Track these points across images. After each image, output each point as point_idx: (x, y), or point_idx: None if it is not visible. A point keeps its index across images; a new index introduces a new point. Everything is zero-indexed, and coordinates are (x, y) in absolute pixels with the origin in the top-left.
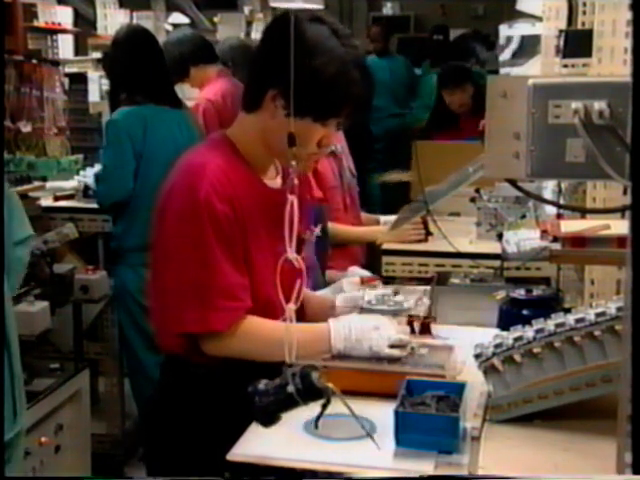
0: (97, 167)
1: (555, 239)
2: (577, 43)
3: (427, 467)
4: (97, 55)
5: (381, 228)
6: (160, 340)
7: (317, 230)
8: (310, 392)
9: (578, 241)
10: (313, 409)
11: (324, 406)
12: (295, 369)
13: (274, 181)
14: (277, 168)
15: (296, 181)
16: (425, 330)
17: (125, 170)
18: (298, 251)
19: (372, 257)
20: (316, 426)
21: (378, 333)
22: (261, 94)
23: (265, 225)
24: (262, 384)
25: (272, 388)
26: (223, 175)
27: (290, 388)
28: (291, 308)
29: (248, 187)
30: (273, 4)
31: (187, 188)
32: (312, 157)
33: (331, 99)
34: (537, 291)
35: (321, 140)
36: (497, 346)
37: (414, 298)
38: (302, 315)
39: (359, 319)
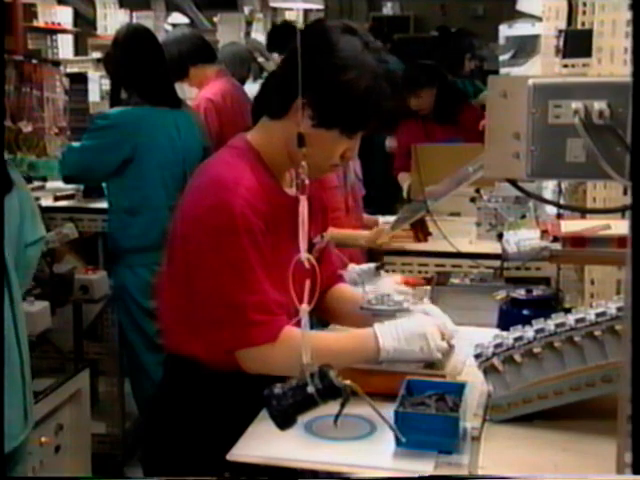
0: None
1: (555, 239)
2: (577, 43)
3: (427, 467)
4: (97, 55)
5: (365, 233)
6: (170, 342)
7: (328, 235)
8: (330, 391)
9: (578, 241)
10: (314, 410)
11: (343, 404)
12: (313, 369)
13: (291, 189)
14: (291, 174)
15: (307, 181)
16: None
17: (94, 161)
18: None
19: (372, 257)
20: (335, 424)
21: (427, 334)
22: (288, 102)
23: (287, 235)
24: (278, 387)
25: (289, 390)
26: (256, 190)
27: (310, 389)
28: (305, 309)
29: (275, 199)
30: (273, 4)
31: (222, 203)
32: (333, 167)
33: (361, 113)
34: (537, 291)
35: (345, 152)
36: (497, 346)
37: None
38: (333, 314)
39: (404, 321)
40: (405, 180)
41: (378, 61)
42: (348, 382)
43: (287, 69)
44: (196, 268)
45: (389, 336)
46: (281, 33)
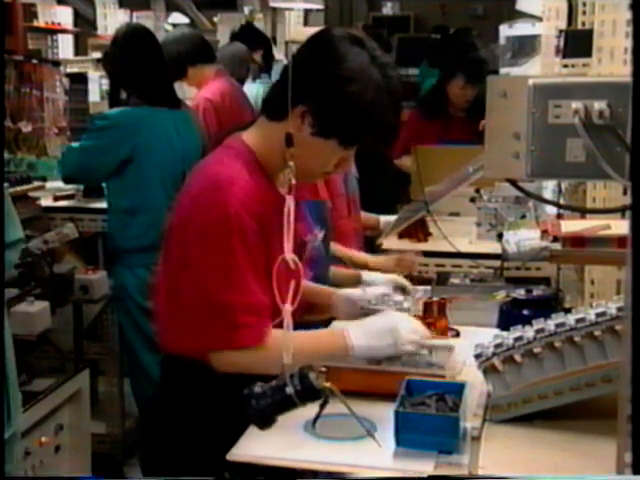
0: None
1: (555, 239)
2: (577, 43)
3: (427, 467)
4: (97, 55)
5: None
6: (165, 341)
7: (321, 234)
8: (309, 393)
9: (578, 241)
10: (313, 409)
11: (322, 406)
12: (293, 370)
13: (284, 188)
14: (284, 174)
15: (293, 181)
16: (441, 311)
17: (93, 161)
18: (300, 254)
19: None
20: (314, 426)
21: (397, 329)
22: (289, 106)
23: (279, 235)
24: (258, 387)
25: (269, 390)
26: (250, 191)
27: (289, 389)
28: (287, 309)
29: (269, 200)
30: (273, 4)
31: (216, 202)
32: (325, 174)
33: (361, 127)
34: (537, 291)
35: (340, 161)
36: (497, 346)
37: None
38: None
39: (374, 318)
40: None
41: (383, 76)
42: (328, 384)
43: (292, 74)
44: (185, 266)
45: (360, 333)
46: (244, 34)
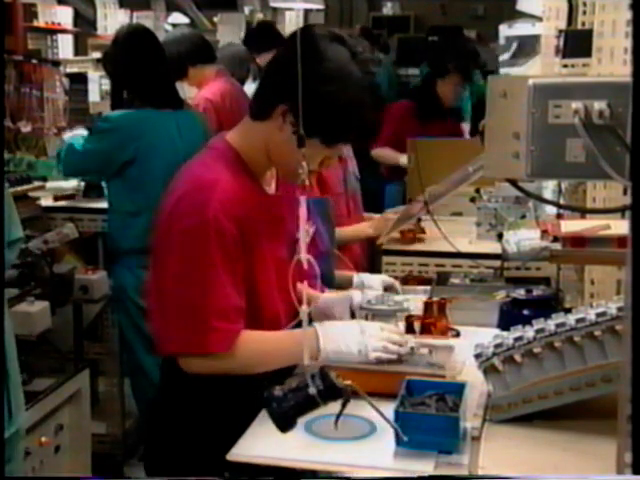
0: None
1: (555, 239)
2: (577, 43)
3: (427, 467)
4: (97, 55)
5: (365, 225)
6: (159, 345)
7: (311, 229)
8: (331, 392)
9: (578, 241)
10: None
11: (344, 405)
12: (313, 371)
13: (270, 187)
14: (272, 172)
15: (307, 182)
16: (441, 311)
17: (94, 164)
18: (292, 252)
19: (372, 257)
20: (336, 426)
21: (364, 337)
22: (271, 106)
23: (266, 235)
24: (278, 390)
25: (290, 392)
26: (232, 193)
27: (312, 390)
28: (305, 310)
29: (253, 201)
30: (273, 4)
31: (196, 204)
32: (311, 173)
33: (342, 125)
34: (537, 291)
35: (324, 160)
36: (497, 346)
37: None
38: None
39: (344, 324)
40: (383, 154)
41: (364, 73)
42: (349, 382)
43: (272, 73)
44: (166, 268)
45: (329, 339)
46: (257, 34)
